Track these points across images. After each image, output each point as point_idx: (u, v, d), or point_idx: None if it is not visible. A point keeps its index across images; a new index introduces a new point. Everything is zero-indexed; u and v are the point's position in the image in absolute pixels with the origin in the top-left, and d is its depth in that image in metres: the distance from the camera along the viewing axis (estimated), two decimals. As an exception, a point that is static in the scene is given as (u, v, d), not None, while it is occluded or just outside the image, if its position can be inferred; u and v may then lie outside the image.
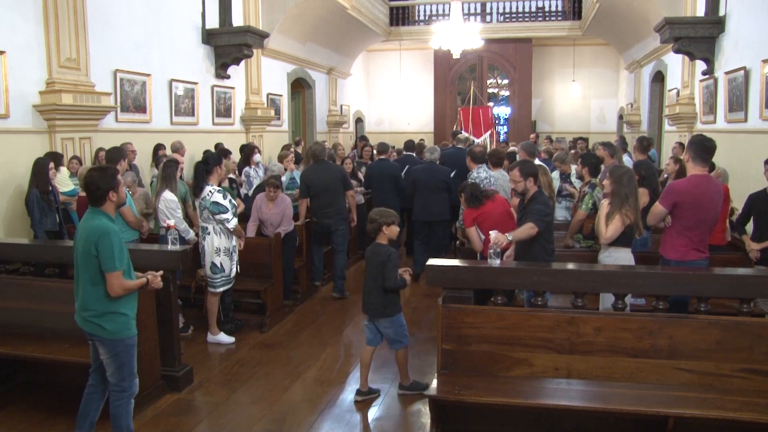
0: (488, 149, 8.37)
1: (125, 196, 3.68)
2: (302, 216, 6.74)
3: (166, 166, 5.45)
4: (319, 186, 6.55)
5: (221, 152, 7.75)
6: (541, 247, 4.37)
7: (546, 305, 4.27)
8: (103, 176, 3.24)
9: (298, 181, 7.22)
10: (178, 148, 7.86)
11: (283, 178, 7.66)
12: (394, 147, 10.85)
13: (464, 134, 10.83)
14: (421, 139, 13.15)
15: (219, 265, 5.16)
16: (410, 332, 5.57)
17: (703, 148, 4.09)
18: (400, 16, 17.19)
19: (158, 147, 7.93)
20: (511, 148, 10.00)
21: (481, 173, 6.37)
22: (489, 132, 13.27)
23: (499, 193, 5.93)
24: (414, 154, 8.76)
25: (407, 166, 8.19)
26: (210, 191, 5.09)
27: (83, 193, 5.49)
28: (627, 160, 8.15)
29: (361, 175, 8.59)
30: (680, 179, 4.25)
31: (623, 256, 4.31)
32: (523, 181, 4.37)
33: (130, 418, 3.36)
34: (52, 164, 5.74)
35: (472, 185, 5.25)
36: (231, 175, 7.59)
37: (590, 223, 5.00)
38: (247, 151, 8.57)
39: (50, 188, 5.67)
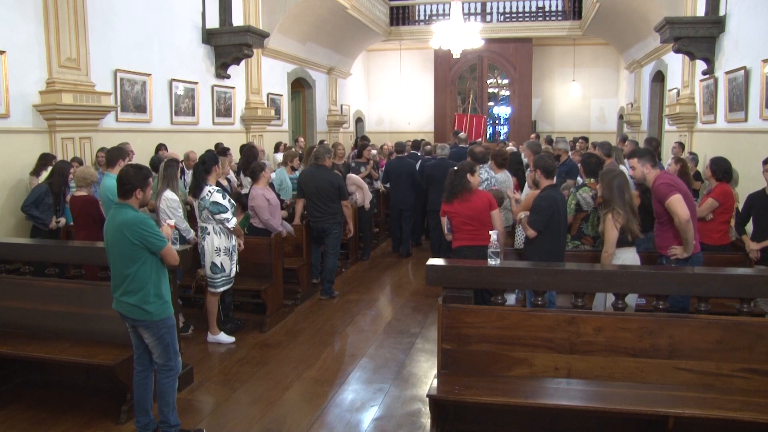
0: None
1: (150, 198, 3.84)
2: (298, 215, 6.71)
3: (167, 165, 5.45)
4: (312, 191, 6.53)
5: (220, 151, 7.73)
6: (540, 244, 4.47)
7: (552, 304, 4.30)
8: (137, 174, 3.49)
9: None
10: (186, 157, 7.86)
11: (286, 176, 7.67)
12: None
13: (463, 134, 11.15)
14: (422, 139, 13.15)
15: (219, 265, 5.16)
16: (411, 332, 5.60)
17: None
18: (400, 16, 17.19)
19: (159, 147, 7.93)
20: (510, 148, 10.03)
21: (482, 174, 6.36)
22: (479, 140, 13.87)
23: (501, 193, 5.90)
24: (400, 155, 9.08)
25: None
26: (209, 191, 5.10)
27: (78, 193, 5.52)
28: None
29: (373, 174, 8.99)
30: (663, 176, 4.36)
31: (629, 256, 4.33)
32: (532, 172, 4.81)
33: (175, 395, 3.61)
34: (73, 168, 5.79)
35: (451, 180, 5.07)
36: (230, 176, 7.57)
37: (576, 224, 4.99)
38: (252, 154, 8.36)
39: (63, 190, 5.71)
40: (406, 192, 8.55)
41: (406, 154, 9.32)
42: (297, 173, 7.69)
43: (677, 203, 4.12)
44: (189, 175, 7.70)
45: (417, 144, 10.22)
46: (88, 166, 6.13)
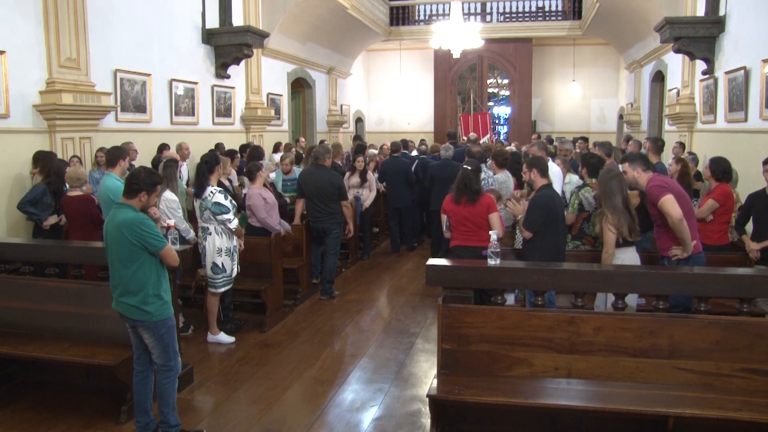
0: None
1: (154, 204, 3.85)
2: (298, 215, 6.71)
3: (167, 166, 5.46)
4: (312, 191, 6.53)
5: (228, 153, 7.76)
6: (538, 244, 4.46)
7: (552, 304, 4.28)
8: (148, 177, 3.49)
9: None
10: (178, 150, 7.87)
11: (281, 179, 7.69)
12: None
13: (473, 134, 11.25)
14: (422, 140, 13.17)
15: (220, 266, 5.16)
16: (411, 332, 5.60)
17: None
18: (400, 16, 17.19)
19: (162, 147, 7.93)
20: (510, 148, 10.05)
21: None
22: (488, 136, 13.84)
23: (498, 193, 5.90)
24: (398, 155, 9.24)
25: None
26: (211, 192, 5.09)
27: (72, 193, 5.51)
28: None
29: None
30: (655, 178, 4.35)
31: (629, 256, 4.33)
32: (528, 172, 4.71)
33: (175, 395, 3.62)
34: (69, 168, 5.78)
35: (461, 180, 4.98)
36: (231, 177, 7.59)
37: (578, 223, 4.99)
38: (258, 155, 8.05)
39: (62, 190, 5.70)
40: (402, 190, 8.76)
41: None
42: (291, 176, 7.71)
43: (669, 203, 4.13)
44: (183, 167, 7.74)
45: (405, 144, 10.42)
46: (78, 165, 6.12)
